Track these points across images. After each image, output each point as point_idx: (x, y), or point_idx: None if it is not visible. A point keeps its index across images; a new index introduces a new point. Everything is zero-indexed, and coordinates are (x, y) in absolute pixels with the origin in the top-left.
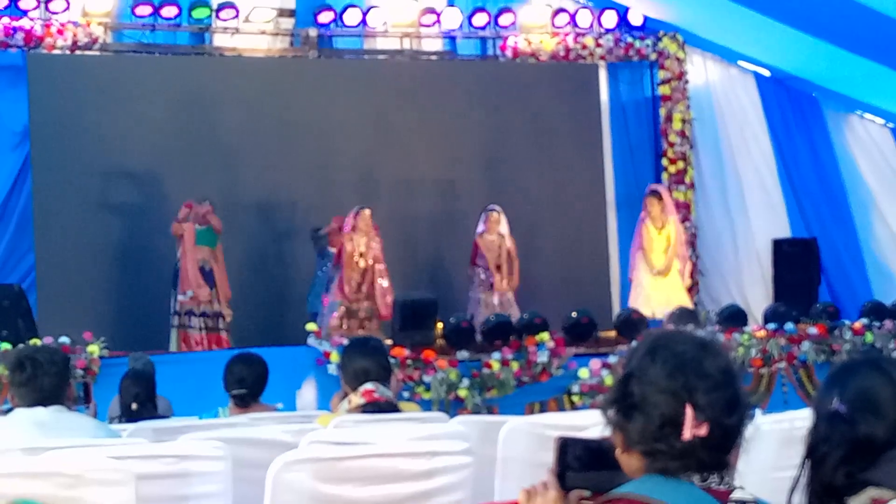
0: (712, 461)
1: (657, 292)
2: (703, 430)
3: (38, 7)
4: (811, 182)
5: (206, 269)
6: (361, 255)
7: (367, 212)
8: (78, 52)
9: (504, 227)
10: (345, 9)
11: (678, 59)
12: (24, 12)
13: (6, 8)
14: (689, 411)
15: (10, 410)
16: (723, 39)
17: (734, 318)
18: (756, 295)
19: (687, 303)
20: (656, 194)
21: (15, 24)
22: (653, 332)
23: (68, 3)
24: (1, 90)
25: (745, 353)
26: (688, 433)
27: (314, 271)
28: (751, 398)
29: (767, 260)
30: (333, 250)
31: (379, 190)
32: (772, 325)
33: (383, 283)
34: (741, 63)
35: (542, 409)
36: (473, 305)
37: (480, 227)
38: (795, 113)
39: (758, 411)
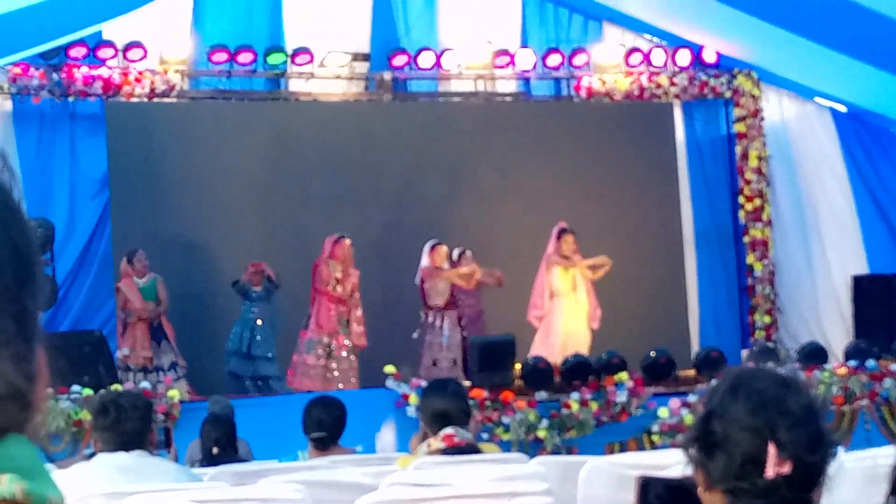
0: (795, 499)
1: (571, 339)
2: (786, 468)
3: (115, 56)
4: (892, 217)
5: (154, 324)
6: (339, 281)
7: (348, 241)
8: (155, 100)
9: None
10: (419, 52)
11: (753, 96)
12: (103, 61)
13: (85, 57)
14: (771, 449)
15: (92, 455)
16: (798, 76)
17: (814, 355)
18: (836, 332)
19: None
20: (572, 232)
21: (94, 72)
22: (734, 369)
23: (146, 52)
24: (80, 138)
25: (826, 390)
26: (771, 471)
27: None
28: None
29: (846, 296)
30: (258, 289)
31: (455, 232)
32: (853, 363)
33: (357, 312)
34: (817, 99)
35: (622, 450)
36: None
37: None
38: (874, 148)
39: (840, 449)
